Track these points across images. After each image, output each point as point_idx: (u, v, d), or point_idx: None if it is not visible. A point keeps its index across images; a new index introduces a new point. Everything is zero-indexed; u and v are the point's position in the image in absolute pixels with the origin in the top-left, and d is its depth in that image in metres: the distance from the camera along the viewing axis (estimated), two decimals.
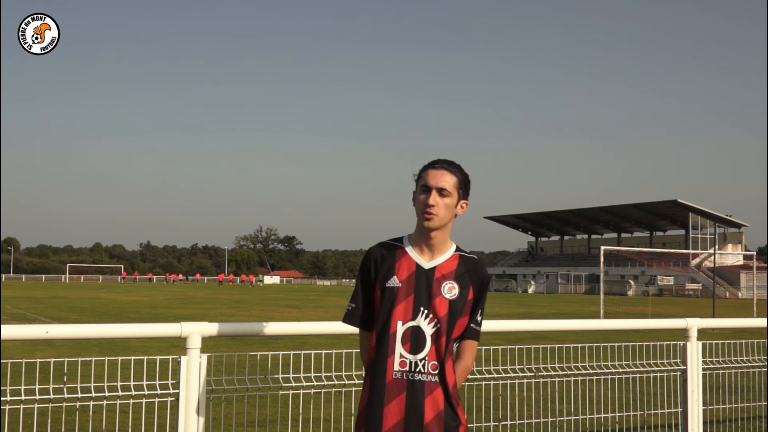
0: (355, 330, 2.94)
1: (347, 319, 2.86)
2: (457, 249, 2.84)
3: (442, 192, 2.73)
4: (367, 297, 2.82)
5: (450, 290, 2.73)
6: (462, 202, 2.80)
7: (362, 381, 4.16)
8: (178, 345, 3.64)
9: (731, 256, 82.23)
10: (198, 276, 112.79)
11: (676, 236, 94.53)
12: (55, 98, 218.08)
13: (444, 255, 2.79)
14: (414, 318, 2.70)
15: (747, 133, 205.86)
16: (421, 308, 2.70)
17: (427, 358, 2.67)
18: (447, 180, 2.74)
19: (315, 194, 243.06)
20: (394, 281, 2.74)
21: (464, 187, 2.80)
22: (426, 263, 2.76)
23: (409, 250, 2.79)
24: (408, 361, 2.67)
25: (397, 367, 2.67)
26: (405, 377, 2.66)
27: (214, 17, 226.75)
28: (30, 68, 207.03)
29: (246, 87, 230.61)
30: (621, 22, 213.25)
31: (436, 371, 2.68)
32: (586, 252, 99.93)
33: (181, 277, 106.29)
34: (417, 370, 2.67)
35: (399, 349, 2.68)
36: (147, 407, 3.77)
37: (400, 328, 2.69)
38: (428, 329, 2.69)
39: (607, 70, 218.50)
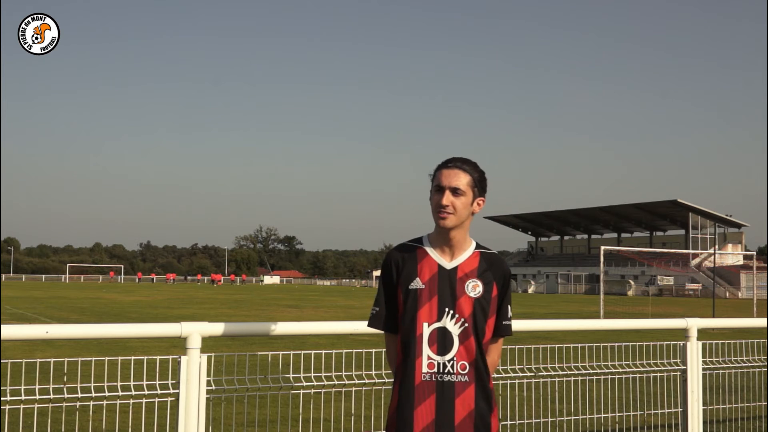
0: (355, 330, 2.95)
1: (372, 323, 2.85)
2: (477, 246, 2.82)
3: (456, 191, 2.71)
4: (390, 300, 2.80)
5: (474, 288, 2.72)
6: (478, 199, 2.78)
7: (362, 381, 4.18)
8: (178, 345, 3.64)
9: (731, 256, 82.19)
10: (200, 276, 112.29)
11: (676, 236, 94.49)
12: (55, 98, 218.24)
13: (465, 253, 2.77)
14: (439, 319, 2.68)
15: (747, 133, 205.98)
16: (446, 309, 2.69)
17: (455, 358, 2.66)
18: (461, 179, 2.72)
19: (315, 194, 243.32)
20: (417, 283, 2.72)
21: (479, 185, 2.77)
22: (448, 263, 2.75)
23: (430, 250, 2.77)
24: (436, 363, 2.66)
25: (425, 369, 2.66)
26: (434, 379, 2.65)
27: (214, 17, 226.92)
28: (30, 68, 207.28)
29: (246, 87, 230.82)
30: (621, 22, 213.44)
31: (466, 371, 2.66)
32: (586, 252, 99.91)
33: (169, 276, 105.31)
34: (446, 371, 2.65)
35: (426, 350, 2.67)
36: (147, 407, 3.77)
37: (426, 330, 2.68)
38: (455, 329, 2.68)
39: (607, 70, 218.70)
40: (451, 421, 2.62)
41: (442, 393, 2.64)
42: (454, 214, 2.70)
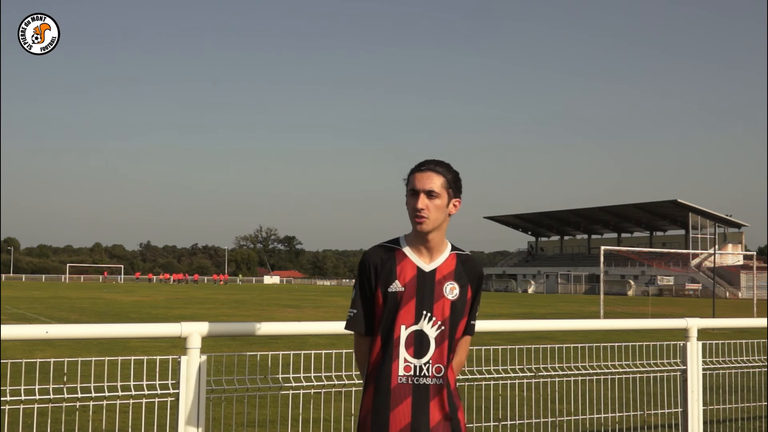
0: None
1: (350, 326, 2.81)
2: (453, 248, 2.82)
3: (430, 194, 2.69)
4: (368, 302, 2.77)
5: (452, 291, 2.72)
6: (454, 200, 2.76)
7: (361, 381, 4.18)
8: (178, 345, 3.64)
9: (731, 256, 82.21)
10: (191, 276, 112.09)
11: (676, 236, 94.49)
12: (55, 98, 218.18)
13: (442, 255, 2.77)
14: (417, 322, 2.67)
15: (747, 133, 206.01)
16: (424, 312, 2.68)
17: (431, 361, 2.66)
18: (434, 181, 2.69)
19: (315, 194, 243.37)
20: (397, 285, 2.70)
21: (454, 185, 2.75)
22: (426, 266, 2.73)
23: (408, 251, 2.76)
24: (412, 366, 2.66)
25: (401, 371, 2.65)
26: (410, 381, 2.65)
27: (214, 17, 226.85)
28: (30, 68, 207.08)
29: (246, 87, 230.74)
30: (621, 22, 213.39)
31: (441, 374, 2.67)
32: (586, 252, 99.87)
33: (166, 276, 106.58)
34: (422, 374, 2.65)
35: (403, 353, 2.66)
36: (147, 407, 3.77)
37: (404, 333, 2.67)
38: (431, 332, 2.67)
39: (607, 70, 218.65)
40: (426, 424, 2.62)
41: (418, 396, 2.64)
42: (430, 217, 2.68)
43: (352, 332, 2.83)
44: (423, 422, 2.62)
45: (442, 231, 2.76)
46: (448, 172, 2.74)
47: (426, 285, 2.70)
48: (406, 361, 2.66)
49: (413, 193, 2.71)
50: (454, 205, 2.77)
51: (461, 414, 2.74)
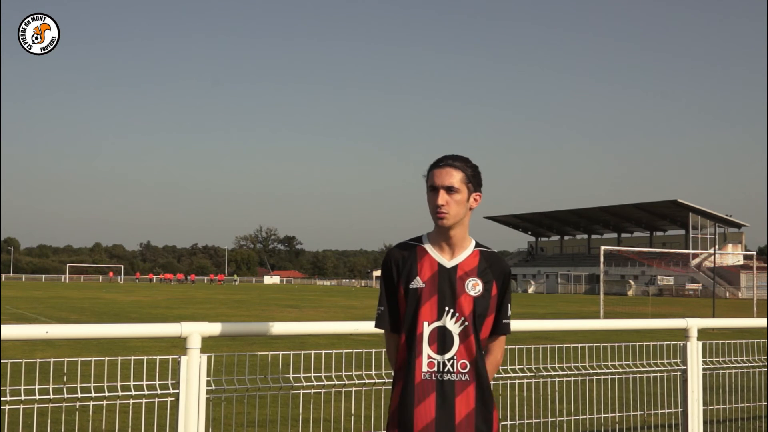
0: (355, 330, 2.95)
1: (379, 324, 2.83)
2: (477, 245, 2.81)
3: (450, 190, 2.69)
4: (393, 299, 2.79)
5: (474, 287, 2.71)
6: (474, 194, 2.76)
7: (362, 381, 4.19)
8: (178, 345, 3.64)
9: (731, 256, 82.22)
10: (187, 276, 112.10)
11: (676, 236, 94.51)
12: (54, 98, 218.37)
13: (465, 252, 2.77)
14: (439, 318, 2.68)
15: (747, 133, 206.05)
16: (446, 307, 2.68)
17: (455, 357, 2.66)
18: (453, 177, 2.70)
19: (315, 194, 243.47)
20: (418, 282, 2.71)
21: (473, 180, 2.75)
22: (448, 262, 2.74)
23: (429, 248, 2.77)
24: (436, 362, 2.66)
25: (425, 368, 2.66)
26: (434, 378, 2.65)
27: (214, 17, 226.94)
28: (30, 68, 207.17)
29: (246, 87, 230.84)
30: (621, 22, 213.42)
31: (466, 370, 2.66)
32: (586, 252, 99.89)
33: (167, 276, 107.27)
34: (446, 369, 2.65)
35: (426, 349, 2.67)
36: (147, 407, 3.78)
37: (426, 329, 2.68)
38: (455, 328, 2.67)
39: (607, 70, 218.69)
40: (452, 420, 2.62)
41: (443, 392, 2.64)
42: (451, 213, 2.69)
43: (382, 329, 2.84)
44: (448, 418, 2.62)
45: (464, 226, 2.76)
46: (467, 167, 2.75)
47: (447, 281, 2.71)
48: (429, 357, 2.66)
49: (433, 190, 2.72)
50: (475, 199, 2.78)
51: (495, 414, 2.72)
